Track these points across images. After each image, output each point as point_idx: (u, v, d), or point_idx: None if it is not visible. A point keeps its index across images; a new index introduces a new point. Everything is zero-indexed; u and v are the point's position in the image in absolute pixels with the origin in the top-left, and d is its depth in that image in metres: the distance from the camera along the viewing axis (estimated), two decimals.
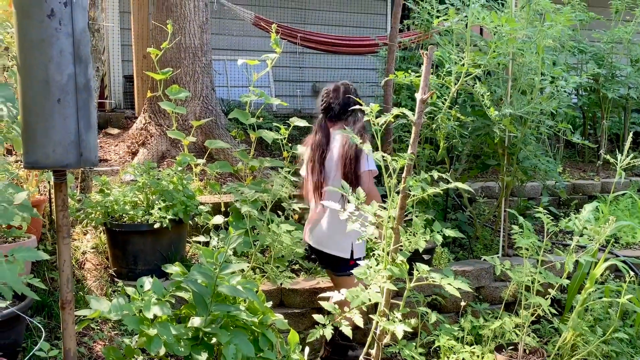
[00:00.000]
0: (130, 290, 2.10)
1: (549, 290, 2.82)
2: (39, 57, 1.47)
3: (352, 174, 2.82)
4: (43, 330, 2.18)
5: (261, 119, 3.92)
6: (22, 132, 1.50)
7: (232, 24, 7.05)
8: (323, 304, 2.26)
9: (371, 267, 2.09)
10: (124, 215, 3.18)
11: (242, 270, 3.11)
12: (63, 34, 1.48)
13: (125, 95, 6.64)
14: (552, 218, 2.77)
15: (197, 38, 4.98)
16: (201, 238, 3.42)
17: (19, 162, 3.19)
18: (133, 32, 5.63)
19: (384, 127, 2.09)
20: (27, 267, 2.72)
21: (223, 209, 3.71)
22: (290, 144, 3.82)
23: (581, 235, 2.80)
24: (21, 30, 1.49)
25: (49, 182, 3.28)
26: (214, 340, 2.01)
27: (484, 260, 3.07)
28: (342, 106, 2.95)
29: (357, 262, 2.82)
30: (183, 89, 4.07)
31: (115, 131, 5.60)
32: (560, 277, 2.74)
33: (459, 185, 1.98)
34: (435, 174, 2.00)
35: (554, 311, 2.90)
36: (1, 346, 2.17)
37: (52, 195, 3.24)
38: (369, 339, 2.32)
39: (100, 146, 5.14)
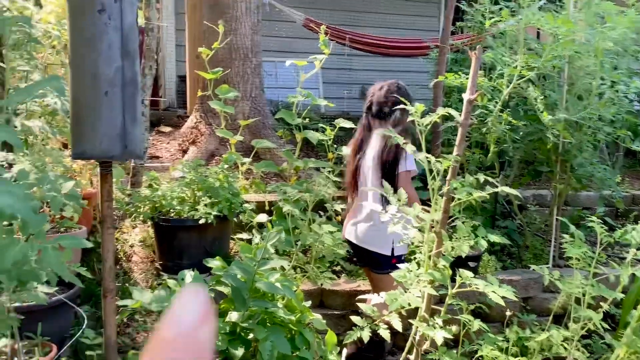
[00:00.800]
0: (171, 282, 2.13)
1: (601, 304, 2.67)
2: (89, 51, 1.51)
3: (389, 174, 2.80)
4: (86, 317, 2.25)
5: (308, 120, 3.93)
6: (71, 123, 1.54)
7: (282, 25, 7.11)
8: (361, 305, 2.23)
9: (411, 271, 2.05)
10: (171, 210, 3.25)
11: (283, 268, 3.11)
12: (112, 28, 1.52)
13: (178, 94, 6.81)
14: (607, 229, 2.63)
15: (248, 39, 5.05)
16: (244, 235, 3.45)
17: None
18: (187, 33, 5.77)
19: (429, 128, 2.04)
20: (77, 257, 2.81)
21: (267, 207, 3.73)
22: (335, 145, 3.81)
23: (639, 248, 2.65)
24: (73, 25, 1.54)
25: None
26: (250, 335, 2.02)
27: (533, 269, 2.95)
28: (384, 105, 2.93)
29: (399, 259, 2.79)
30: (232, 88, 4.13)
31: (167, 129, 5.75)
32: (615, 291, 2.60)
33: (507, 190, 1.91)
34: (482, 177, 1.93)
35: (606, 326, 2.75)
36: (49, 332, 2.25)
37: None
38: (408, 344, 2.27)
39: (153, 144, 5.29)
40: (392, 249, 2.83)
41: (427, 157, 1.97)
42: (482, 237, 2.03)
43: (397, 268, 2.76)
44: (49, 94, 1.97)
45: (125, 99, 1.53)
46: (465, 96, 1.96)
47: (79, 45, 1.52)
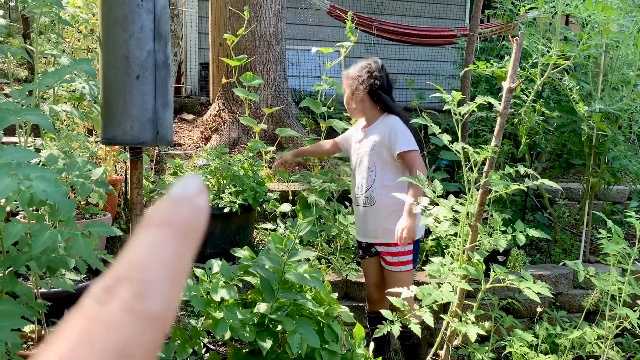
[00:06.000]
0: (198, 272, 2.10)
1: (638, 302, 2.59)
2: (121, 34, 1.47)
3: None
4: None
5: (332, 108, 3.87)
6: (102, 108, 1.51)
7: (307, 13, 7.03)
8: (392, 299, 2.17)
9: (445, 265, 1.99)
10: None
11: (308, 259, 3.08)
12: (144, 10, 1.47)
13: (200, 82, 6.78)
14: None
15: (272, 26, 4.99)
16: (268, 225, 3.42)
17: (99, 142, 3.31)
18: (210, 20, 5.73)
19: (465, 118, 1.97)
20: (102, 244, 2.80)
21: (290, 197, 3.69)
22: None
23: None
24: (105, 7, 1.49)
25: (125, 163, 3.37)
26: (279, 327, 1.98)
27: (564, 265, 2.87)
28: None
29: None
30: (257, 76, 4.08)
31: (190, 117, 5.73)
32: None
33: (547, 182, 1.83)
34: (522, 169, 1.86)
35: None
36: None
37: (128, 175, 3.33)
38: (438, 339, 2.21)
39: (176, 131, 5.27)
40: None
41: (464, 148, 1.90)
42: (521, 232, 1.96)
43: None
44: (77, 78, 1.94)
45: (157, 83, 1.48)
46: (505, 84, 1.88)
47: (111, 27, 1.47)
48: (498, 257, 3.11)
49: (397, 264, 2.63)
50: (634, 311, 2.45)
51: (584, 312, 2.84)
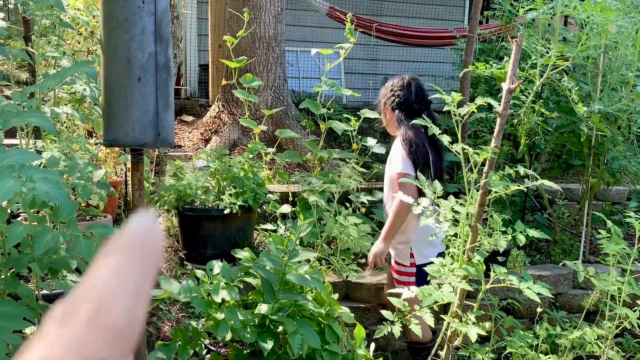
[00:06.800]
0: (199, 273, 2.11)
1: (637, 302, 2.60)
2: (122, 35, 1.47)
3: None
4: None
5: (331, 110, 3.87)
6: (103, 110, 1.51)
7: (306, 15, 7.04)
8: (392, 300, 2.18)
9: (445, 266, 1.99)
10: (195, 199, 3.22)
11: (309, 260, 3.08)
12: (146, 12, 1.48)
13: (200, 84, 6.78)
14: None
15: (272, 28, 5.00)
16: (268, 226, 3.42)
17: (99, 144, 3.31)
18: (210, 22, 5.73)
19: (465, 119, 1.98)
20: (103, 245, 2.80)
21: (290, 198, 3.70)
22: (360, 136, 3.75)
23: None
24: (106, 9, 1.50)
25: (125, 164, 3.38)
26: (280, 328, 1.98)
27: (563, 265, 2.86)
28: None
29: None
30: (256, 77, 4.09)
31: (189, 118, 5.73)
32: None
33: (547, 182, 1.84)
34: (522, 170, 1.87)
35: None
36: None
37: (129, 177, 3.34)
38: (439, 340, 2.22)
39: (175, 132, 5.27)
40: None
41: (463, 148, 1.90)
42: (520, 232, 1.96)
43: None
44: (78, 81, 1.94)
45: (158, 84, 1.49)
46: (505, 85, 1.89)
47: (112, 29, 1.48)
48: (498, 257, 3.12)
49: (400, 282, 2.73)
50: (634, 311, 2.45)
51: (584, 313, 2.85)
